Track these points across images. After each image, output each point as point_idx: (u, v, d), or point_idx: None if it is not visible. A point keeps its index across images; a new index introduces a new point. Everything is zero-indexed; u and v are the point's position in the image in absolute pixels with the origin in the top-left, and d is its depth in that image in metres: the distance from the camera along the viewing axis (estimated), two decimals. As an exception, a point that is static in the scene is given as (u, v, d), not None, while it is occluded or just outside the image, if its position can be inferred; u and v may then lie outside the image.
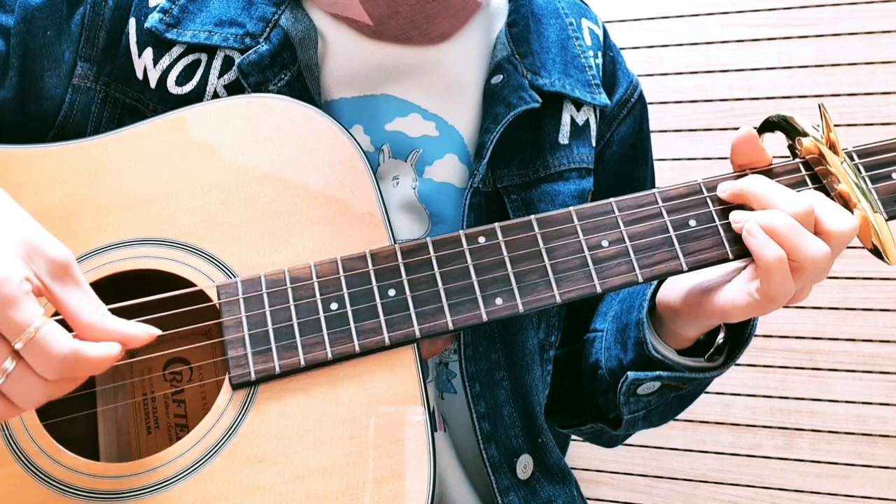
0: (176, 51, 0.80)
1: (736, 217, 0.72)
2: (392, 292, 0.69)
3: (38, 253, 0.56)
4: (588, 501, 0.93)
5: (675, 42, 1.72)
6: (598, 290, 0.71)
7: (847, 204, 0.73)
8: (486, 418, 0.82)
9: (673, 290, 0.80)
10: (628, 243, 0.72)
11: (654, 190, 0.74)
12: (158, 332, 0.62)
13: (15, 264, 0.54)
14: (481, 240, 0.71)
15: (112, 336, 0.59)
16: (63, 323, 0.57)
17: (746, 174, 0.74)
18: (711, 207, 0.73)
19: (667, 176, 0.95)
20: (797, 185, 0.74)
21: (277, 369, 0.67)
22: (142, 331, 0.61)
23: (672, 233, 0.72)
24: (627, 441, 1.02)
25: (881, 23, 1.59)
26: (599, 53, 0.94)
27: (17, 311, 0.53)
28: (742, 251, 0.71)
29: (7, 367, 0.54)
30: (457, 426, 0.86)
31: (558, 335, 0.91)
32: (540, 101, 0.84)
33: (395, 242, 0.72)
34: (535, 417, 0.86)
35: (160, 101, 0.79)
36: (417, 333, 0.68)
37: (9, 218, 0.58)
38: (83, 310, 0.58)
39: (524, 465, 0.84)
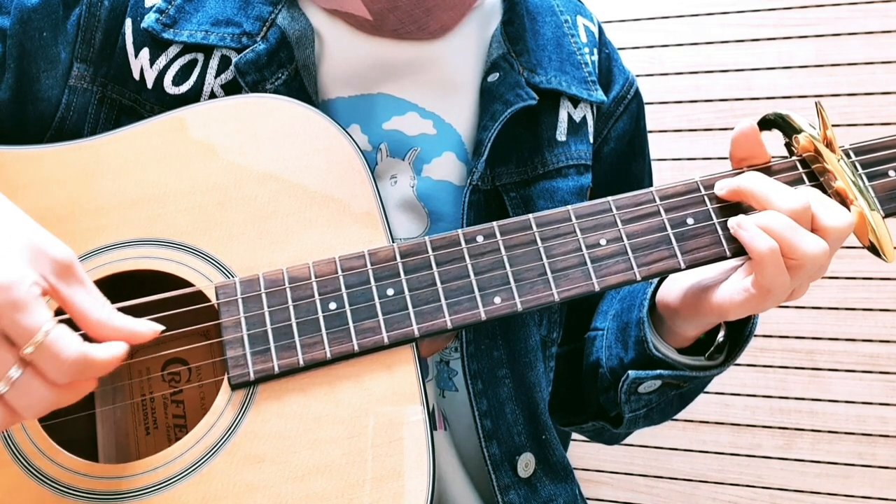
0: (172, 51, 0.80)
1: (732, 222, 0.72)
2: (390, 292, 0.69)
3: (43, 254, 0.56)
4: (588, 501, 0.93)
5: (675, 42, 1.72)
6: (596, 288, 0.71)
7: (844, 201, 0.73)
8: (488, 416, 0.82)
9: (672, 288, 0.80)
10: (626, 241, 0.72)
11: (651, 188, 0.74)
12: (162, 327, 0.63)
13: (23, 268, 0.54)
14: (479, 239, 0.71)
15: (120, 333, 0.59)
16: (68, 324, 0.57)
17: (744, 171, 0.74)
18: (709, 205, 0.73)
19: (666, 176, 0.95)
20: (794, 182, 0.74)
21: (276, 369, 0.67)
22: (146, 328, 0.62)
23: (670, 231, 0.72)
24: (627, 441, 1.02)
25: (881, 23, 1.59)
26: (595, 50, 0.94)
27: (28, 315, 0.53)
28: (739, 248, 0.71)
29: (12, 375, 0.54)
30: (458, 424, 0.85)
31: (560, 331, 0.91)
32: (537, 98, 0.84)
33: (393, 242, 0.72)
34: (538, 414, 0.86)
35: (157, 102, 0.79)
36: (416, 333, 0.68)
37: (10, 221, 0.58)
38: (90, 308, 0.58)
39: (525, 463, 0.84)
